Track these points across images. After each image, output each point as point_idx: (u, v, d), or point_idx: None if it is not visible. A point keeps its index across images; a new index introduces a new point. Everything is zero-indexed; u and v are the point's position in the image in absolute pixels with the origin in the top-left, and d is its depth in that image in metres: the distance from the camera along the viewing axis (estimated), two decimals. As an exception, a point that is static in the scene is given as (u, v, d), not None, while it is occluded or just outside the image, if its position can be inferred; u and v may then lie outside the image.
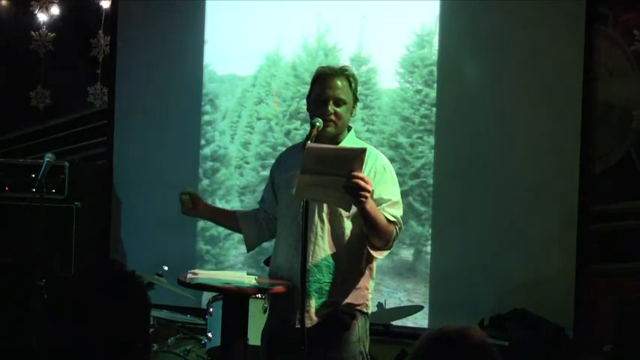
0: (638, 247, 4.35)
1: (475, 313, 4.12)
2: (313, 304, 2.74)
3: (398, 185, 2.86)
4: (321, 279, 2.76)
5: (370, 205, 2.58)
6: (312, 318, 2.73)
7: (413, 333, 4.29)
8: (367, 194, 2.51)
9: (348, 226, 2.78)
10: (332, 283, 2.76)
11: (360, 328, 2.81)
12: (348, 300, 2.79)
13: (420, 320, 4.51)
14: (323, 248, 2.76)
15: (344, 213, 2.74)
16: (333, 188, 2.50)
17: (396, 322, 4.30)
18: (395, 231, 2.74)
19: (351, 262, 2.80)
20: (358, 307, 2.81)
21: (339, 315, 2.75)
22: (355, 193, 2.49)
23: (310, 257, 2.73)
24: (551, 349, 3.98)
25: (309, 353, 2.61)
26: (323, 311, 2.76)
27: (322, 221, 2.76)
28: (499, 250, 4.46)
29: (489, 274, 4.45)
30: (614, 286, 4.33)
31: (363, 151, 2.50)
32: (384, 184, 2.76)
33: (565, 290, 4.33)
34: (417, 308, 4.41)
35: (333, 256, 2.77)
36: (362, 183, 2.48)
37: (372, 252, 2.76)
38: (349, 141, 2.86)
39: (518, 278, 4.40)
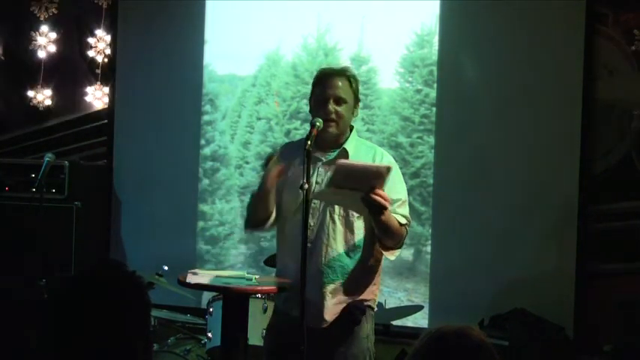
0: (638, 247, 4.35)
1: (475, 313, 4.12)
2: (329, 305, 2.76)
3: (404, 182, 2.90)
4: (335, 280, 2.77)
5: (385, 214, 2.62)
6: (325, 319, 2.76)
7: (413, 333, 4.27)
8: (385, 210, 2.57)
9: (359, 225, 2.79)
10: (345, 283, 2.78)
11: (368, 325, 2.84)
12: (359, 297, 2.81)
13: (420, 320, 4.51)
14: (335, 249, 2.77)
15: (355, 213, 2.77)
16: (352, 198, 2.58)
17: (396, 322, 4.30)
18: (406, 231, 2.80)
19: (363, 260, 2.81)
20: (367, 303, 2.84)
21: (350, 310, 2.78)
22: (375, 210, 2.56)
23: (323, 259, 2.76)
24: (551, 349, 3.98)
25: (321, 351, 2.65)
26: (336, 310, 2.77)
27: (334, 222, 2.77)
28: (499, 250, 4.46)
29: (489, 274, 4.45)
30: (614, 286, 4.33)
31: (388, 169, 2.56)
32: (392, 183, 2.77)
33: (565, 290, 4.33)
34: (417, 308, 4.41)
35: (346, 256, 2.78)
36: (382, 201, 2.53)
37: (385, 253, 2.80)
38: (352, 141, 2.86)
39: (518, 278, 4.39)
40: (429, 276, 4.65)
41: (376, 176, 2.54)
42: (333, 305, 2.77)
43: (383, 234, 2.71)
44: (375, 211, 2.58)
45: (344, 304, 2.78)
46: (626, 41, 4.42)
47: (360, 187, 2.54)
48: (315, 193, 2.64)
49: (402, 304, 4.59)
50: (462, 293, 4.43)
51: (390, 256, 2.83)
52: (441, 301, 4.57)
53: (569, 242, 4.37)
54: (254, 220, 2.89)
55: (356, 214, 2.76)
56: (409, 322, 4.41)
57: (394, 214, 2.72)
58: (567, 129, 4.41)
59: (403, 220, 2.76)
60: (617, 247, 4.40)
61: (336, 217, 2.77)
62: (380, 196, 2.53)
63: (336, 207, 2.77)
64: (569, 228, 4.37)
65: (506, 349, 3.72)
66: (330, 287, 2.76)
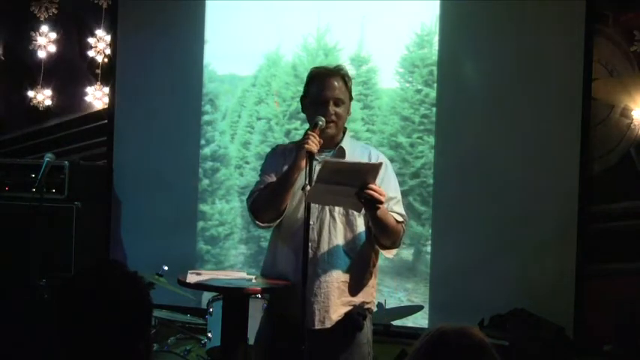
0: (638, 247, 4.36)
1: (475, 313, 4.12)
2: (332, 304, 2.74)
3: (398, 182, 2.89)
4: (338, 278, 2.76)
5: (381, 210, 2.61)
6: (331, 319, 2.73)
7: (413, 333, 4.26)
8: (380, 205, 2.56)
9: (359, 223, 2.78)
10: (348, 283, 2.77)
11: (368, 329, 2.82)
12: (361, 298, 2.80)
13: (420, 320, 4.51)
14: (336, 247, 2.76)
15: (356, 212, 2.76)
16: (345, 195, 2.55)
17: (396, 322, 4.29)
18: (402, 229, 2.78)
19: (363, 260, 2.81)
20: (367, 306, 2.82)
21: (353, 316, 2.76)
22: (370, 205, 2.55)
23: (325, 257, 2.74)
24: (551, 349, 3.98)
25: (322, 357, 2.64)
26: (340, 311, 2.75)
27: (334, 220, 2.76)
28: (499, 250, 4.46)
29: (489, 274, 4.45)
30: (614, 286, 4.34)
31: (379, 165, 2.57)
32: (387, 182, 2.78)
33: (565, 290, 4.34)
34: (417, 308, 4.40)
35: (347, 254, 2.77)
36: (376, 195, 2.53)
37: (383, 252, 2.80)
38: (347, 141, 2.86)
39: (518, 278, 4.40)
40: (429, 276, 4.65)
41: (368, 172, 2.53)
42: (338, 306, 2.74)
43: (380, 231, 2.71)
44: (370, 206, 2.57)
45: (348, 306, 2.76)
46: (626, 41, 4.42)
47: (351, 182, 2.52)
48: (306, 196, 2.58)
49: (402, 304, 4.58)
50: (462, 293, 4.43)
51: (388, 254, 2.82)
52: (441, 301, 4.57)
53: (569, 242, 4.37)
54: (275, 213, 2.75)
55: (356, 213, 2.75)
56: (409, 322, 4.41)
57: (390, 212, 2.72)
58: (567, 129, 4.41)
59: (400, 218, 2.76)
60: (617, 247, 4.40)
61: (337, 215, 2.76)
62: (374, 190, 2.53)
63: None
64: (569, 228, 4.38)
65: (506, 349, 3.72)
66: (333, 285, 2.74)
